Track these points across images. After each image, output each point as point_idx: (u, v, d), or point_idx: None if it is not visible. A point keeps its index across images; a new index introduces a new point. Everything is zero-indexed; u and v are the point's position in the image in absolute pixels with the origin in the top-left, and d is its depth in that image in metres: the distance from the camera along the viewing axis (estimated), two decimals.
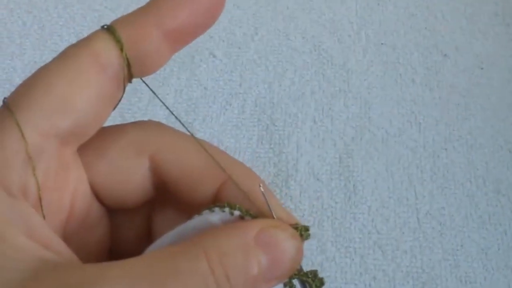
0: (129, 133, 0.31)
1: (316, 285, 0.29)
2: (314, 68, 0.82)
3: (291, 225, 0.28)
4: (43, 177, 0.27)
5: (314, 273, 0.29)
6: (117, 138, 0.30)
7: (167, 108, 0.31)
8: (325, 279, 0.30)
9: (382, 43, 0.85)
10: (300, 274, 0.29)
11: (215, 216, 0.28)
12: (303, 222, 0.30)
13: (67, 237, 0.29)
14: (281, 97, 0.79)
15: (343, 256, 0.67)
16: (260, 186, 0.28)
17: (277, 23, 0.87)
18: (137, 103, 0.76)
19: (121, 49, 0.27)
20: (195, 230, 0.28)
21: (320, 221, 0.69)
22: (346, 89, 0.80)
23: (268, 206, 0.28)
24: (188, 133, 0.31)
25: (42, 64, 0.27)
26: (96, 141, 0.30)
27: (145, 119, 0.32)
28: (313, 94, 0.79)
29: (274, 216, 0.28)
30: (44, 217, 0.27)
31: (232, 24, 0.86)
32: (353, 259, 0.67)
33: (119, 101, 0.29)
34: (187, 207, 0.31)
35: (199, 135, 0.70)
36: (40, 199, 0.27)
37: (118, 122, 0.31)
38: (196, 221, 0.28)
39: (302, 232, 0.28)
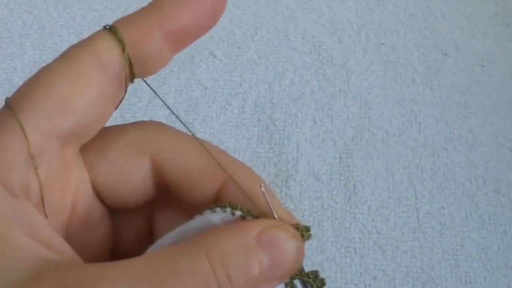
0: (130, 133, 0.31)
1: (317, 286, 0.29)
2: (314, 68, 0.82)
3: (292, 225, 0.28)
4: (45, 177, 0.27)
5: (315, 274, 0.29)
6: (118, 138, 0.30)
7: (168, 108, 0.31)
8: (326, 279, 0.30)
9: (382, 43, 0.85)
10: (301, 274, 0.29)
11: (216, 216, 0.28)
12: (303, 222, 0.30)
13: (69, 237, 0.29)
14: (281, 97, 0.79)
15: (343, 256, 0.67)
16: (261, 186, 0.28)
17: (277, 23, 0.87)
18: (137, 103, 0.76)
19: (123, 50, 0.28)
20: (196, 230, 0.28)
21: (320, 221, 0.69)
22: (346, 89, 0.80)
23: (269, 206, 0.28)
24: (189, 133, 0.31)
25: (42, 64, 0.28)
26: (97, 141, 0.30)
27: (145, 119, 0.32)
28: (313, 94, 0.79)
29: (275, 216, 0.28)
30: (46, 217, 0.27)
31: (232, 24, 0.86)
32: (353, 259, 0.67)
33: (121, 101, 0.29)
34: (188, 207, 0.31)
35: (199, 135, 0.70)
36: (42, 199, 0.27)
37: (118, 122, 0.31)
38: (198, 221, 0.28)
39: (303, 232, 0.28)
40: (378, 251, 0.67)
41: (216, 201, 0.30)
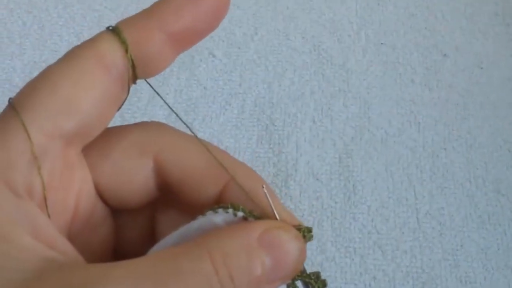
0: (133, 134, 0.31)
1: (318, 287, 0.29)
2: (314, 68, 0.82)
3: (294, 226, 0.28)
4: (48, 177, 0.27)
5: (317, 275, 0.29)
6: (121, 139, 0.30)
7: (171, 108, 0.31)
8: (327, 281, 0.30)
9: (382, 43, 0.85)
10: (303, 275, 0.29)
11: (218, 217, 0.28)
12: (303, 222, 0.30)
13: (72, 237, 0.29)
14: (280, 97, 0.79)
15: (343, 256, 0.67)
16: (263, 187, 0.28)
17: (277, 23, 0.87)
18: (136, 103, 0.76)
19: (126, 51, 0.28)
20: (199, 230, 0.28)
21: (320, 221, 0.69)
22: (346, 89, 0.80)
23: (271, 207, 0.28)
24: (191, 134, 0.31)
25: (42, 64, 0.28)
26: (100, 142, 0.30)
27: (145, 119, 0.32)
28: (312, 94, 0.79)
29: (277, 217, 0.28)
30: (49, 217, 0.27)
31: (232, 24, 0.86)
32: (353, 259, 0.67)
33: (123, 102, 0.29)
34: (191, 208, 0.31)
35: (198, 135, 0.70)
36: (45, 199, 0.27)
37: (117, 122, 0.31)
38: (200, 222, 0.28)
39: (305, 233, 0.28)
40: (378, 251, 0.67)
41: (218, 202, 0.30)
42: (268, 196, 0.28)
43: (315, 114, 0.77)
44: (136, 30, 0.28)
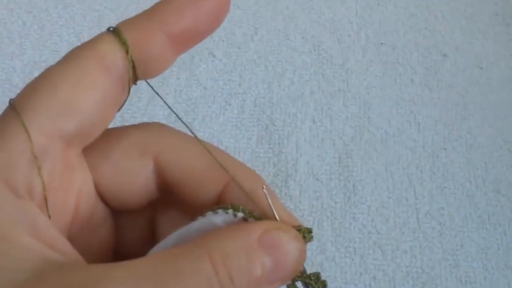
0: (133, 135, 0.31)
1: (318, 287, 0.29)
2: (314, 68, 0.82)
3: (294, 227, 0.28)
4: (49, 177, 0.27)
5: (317, 276, 0.29)
6: (121, 139, 0.30)
7: (172, 110, 0.31)
8: (327, 281, 0.30)
9: (381, 43, 0.85)
10: (303, 276, 0.29)
11: (218, 217, 0.28)
12: (303, 222, 0.30)
13: (72, 238, 0.29)
14: (280, 97, 0.79)
15: (343, 256, 0.67)
16: (263, 187, 0.28)
17: (277, 23, 0.87)
18: (136, 103, 0.76)
19: (127, 52, 0.28)
20: (199, 231, 0.28)
21: (320, 221, 0.69)
22: (346, 89, 0.80)
23: (271, 208, 0.28)
24: (191, 134, 0.31)
25: (42, 64, 0.28)
26: (100, 143, 0.30)
27: (145, 119, 0.32)
28: (312, 94, 0.79)
29: (277, 218, 0.28)
30: (49, 217, 0.27)
31: (232, 24, 0.86)
32: (353, 259, 0.67)
33: (124, 103, 0.29)
34: (191, 208, 0.31)
35: (198, 135, 0.70)
36: (45, 199, 0.27)
37: (117, 122, 0.32)
38: (200, 222, 0.28)
39: (305, 234, 0.28)
40: (378, 251, 0.67)
41: (218, 203, 0.30)
42: (268, 197, 0.28)
43: (315, 114, 0.77)
44: (137, 31, 0.28)
